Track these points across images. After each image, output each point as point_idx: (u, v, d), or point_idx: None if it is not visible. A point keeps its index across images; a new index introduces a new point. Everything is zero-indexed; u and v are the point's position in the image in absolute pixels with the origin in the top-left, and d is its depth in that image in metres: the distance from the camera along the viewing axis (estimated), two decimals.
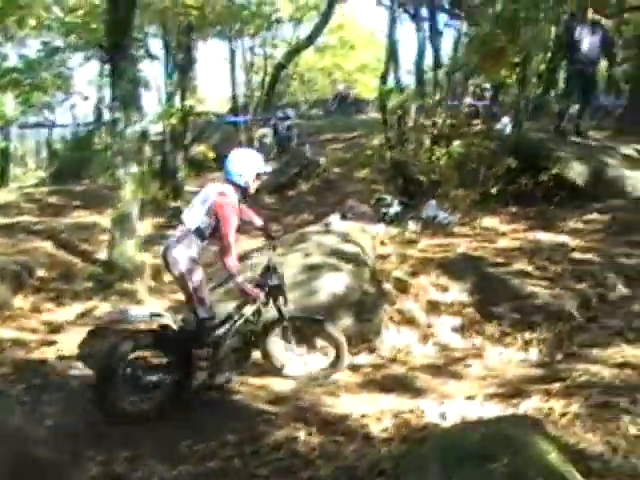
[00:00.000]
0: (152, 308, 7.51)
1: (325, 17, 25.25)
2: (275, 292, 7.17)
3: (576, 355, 7.28)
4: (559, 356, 7.50)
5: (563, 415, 5.45)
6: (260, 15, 22.56)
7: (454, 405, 6.10)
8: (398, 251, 10.73)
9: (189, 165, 17.74)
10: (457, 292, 9.44)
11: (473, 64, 15.06)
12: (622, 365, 6.53)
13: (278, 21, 24.45)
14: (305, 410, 6.57)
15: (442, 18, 18.92)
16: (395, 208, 13.06)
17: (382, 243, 11.21)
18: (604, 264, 9.44)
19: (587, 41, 13.02)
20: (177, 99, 17.60)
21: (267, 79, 27.39)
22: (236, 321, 7.02)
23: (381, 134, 15.99)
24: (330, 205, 14.39)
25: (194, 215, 6.77)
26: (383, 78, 17.10)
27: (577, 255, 9.87)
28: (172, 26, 17.75)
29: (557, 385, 6.25)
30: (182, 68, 17.98)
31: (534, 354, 7.78)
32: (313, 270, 8.80)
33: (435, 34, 17.64)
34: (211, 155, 20.50)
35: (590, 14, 13.35)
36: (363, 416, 6.15)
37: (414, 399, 6.55)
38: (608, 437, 4.98)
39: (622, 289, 8.79)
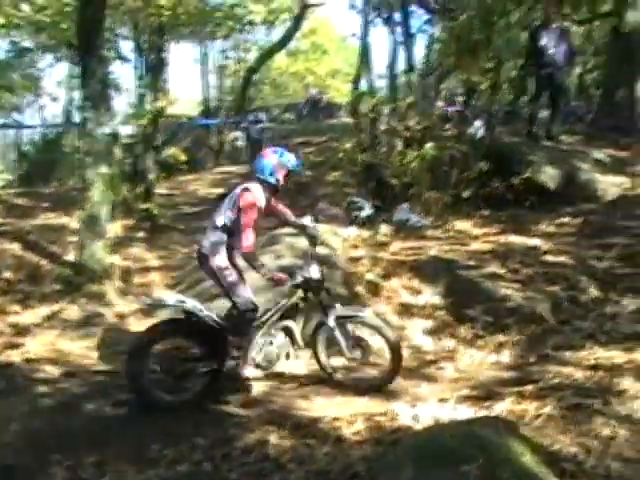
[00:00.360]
0: (179, 295, 7.40)
1: (297, 21, 25.18)
2: (313, 286, 7.08)
3: (549, 357, 7.31)
4: (532, 358, 7.50)
5: (536, 417, 5.50)
6: (232, 17, 22.45)
7: (427, 407, 6.10)
8: (370, 254, 10.70)
9: (160, 167, 17.56)
10: (429, 295, 9.42)
11: (446, 67, 15.11)
12: (594, 367, 6.59)
13: (250, 23, 24.32)
14: (277, 413, 6.51)
15: (415, 22, 18.98)
16: (367, 211, 13.03)
17: (354, 246, 11.18)
18: (576, 267, 9.47)
19: (555, 47, 13.18)
20: (148, 101, 17.45)
21: (239, 82, 27.29)
22: (271, 315, 7.03)
23: (353, 138, 15.96)
24: (302, 208, 14.31)
25: (221, 212, 6.90)
26: (355, 82, 17.11)
27: (549, 258, 9.89)
28: (144, 27, 17.62)
29: (530, 387, 6.28)
30: (153, 70, 17.86)
31: (507, 356, 7.77)
32: (285, 272, 8.72)
33: (408, 38, 17.66)
34: (182, 157, 20.39)
35: (558, 21, 13.54)
36: (336, 419, 6.11)
37: (387, 402, 6.55)
38: (581, 439, 5.03)
39: (594, 292, 8.81)
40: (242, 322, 6.86)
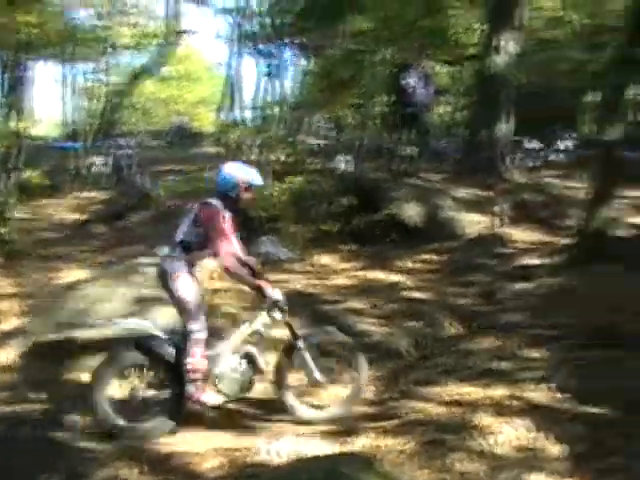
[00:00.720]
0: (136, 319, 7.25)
1: (167, 47, 25.04)
2: (280, 307, 6.87)
3: (408, 393, 7.33)
4: (392, 394, 7.52)
5: (396, 452, 5.51)
6: (97, 39, 22.07)
7: (287, 442, 6.01)
8: (232, 286, 10.59)
9: (19, 190, 16.94)
10: None
11: (314, 101, 15.26)
12: (451, 403, 6.70)
13: (115, 47, 23.96)
14: (134, 447, 6.30)
15: (287, 54, 19.08)
16: None
17: (217, 277, 11.03)
18: (437, 304, 9.64)
19: (419, 86, 13.60)
20: (8, 120, 16.87)
21: (104, 106, 26.78)
22: (233, 340, 6.87)
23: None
24: (165, 237, 14.11)
25: (181, 228, 6.79)
26: (220, 111, 17.08)
27: (411, 294, 10.03)
28: (5, 44, 17.06)
29: (390, 423, 6.33)
30: (15, 88, 17.30)
31: (368, 392, 7.75)
32: (143, 303, 8.54)
33: (279, 70, 17.77)
34: (42, 181, 19.73)
35: (424, 62, 14.00)
36: (196, 454, 5.98)
37: (247, 436, 6.44)
38: (439, 474, 5.12)
39: (453, 328, 8.98)
40: (193, 345, 6.63)
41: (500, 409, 6.29)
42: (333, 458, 5.14)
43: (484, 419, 6.04)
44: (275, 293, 6.85)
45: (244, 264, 7.14)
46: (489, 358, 7.91)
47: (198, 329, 6.64)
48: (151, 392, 6.75)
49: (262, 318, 6.89)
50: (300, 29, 17.44)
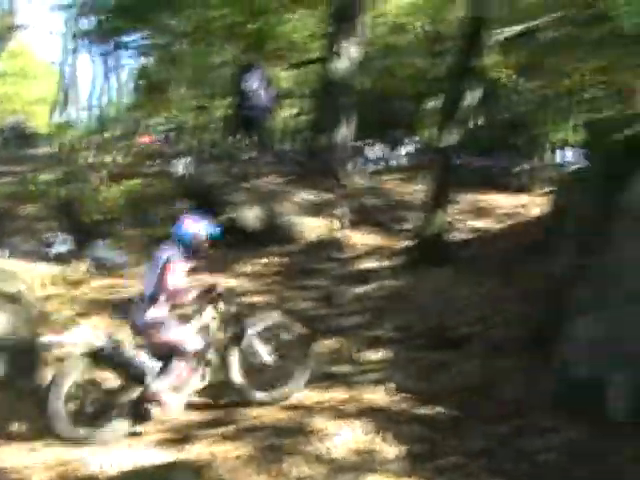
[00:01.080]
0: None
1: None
2: (225, 298, 7.13)
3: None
4: (230, 399, 7.39)
5: (231, 459, 5.48)
6: None
7: (120, 453, 5.87)
8: (66, 292, 10.25)
9: None
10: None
11: (152, 101, 15.02)
12: (289, 407, 6.77)
13: None
14: None
15: (123, 53, 18.68)
16: (64, 247, 12.45)
17: (50, 283, 10.64)
18: (276, 307, 9.54)
19: (261, 89, 13.58)
20: None
21: None
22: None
23: (53, 169, 15.31)
24: None
25: (149, 281, 6.97)
26: (55, 111, 16.58)
27: (250, 298, 9.94)
28: None
29: (227, 429, 6.30)
30: None
31: (203, 398, 7.62)
32: None
33: (114, 69, 17.40)
34: None
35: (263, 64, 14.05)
36: (23, 468, 5.72)
37: (79, 448, 6.17)
38: (277, 479, 5.16)
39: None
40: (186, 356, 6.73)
41: (338, 412, 6.37)
42: (164, 468, 5.13)
43: (322, 422, 6.10)
44: (220, 287, 7.28)
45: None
46: (328, 361, 8.00)
47: (199, 347, 6.79)
48: (108, 397, 6.64)
49: (209, 312, 7.10)
50: (114, 28, 17.04)
